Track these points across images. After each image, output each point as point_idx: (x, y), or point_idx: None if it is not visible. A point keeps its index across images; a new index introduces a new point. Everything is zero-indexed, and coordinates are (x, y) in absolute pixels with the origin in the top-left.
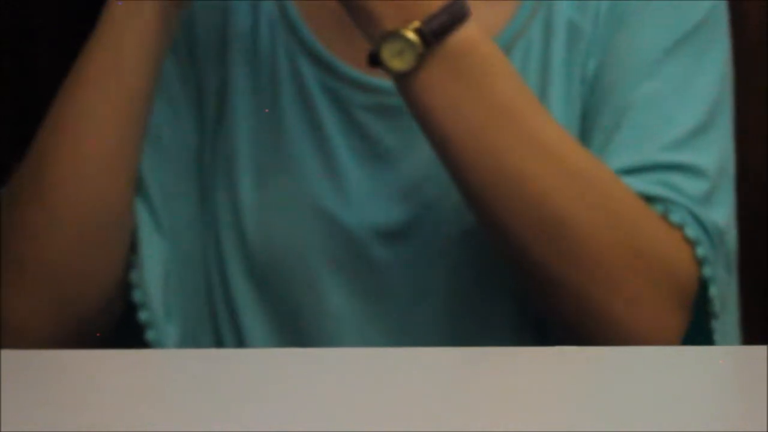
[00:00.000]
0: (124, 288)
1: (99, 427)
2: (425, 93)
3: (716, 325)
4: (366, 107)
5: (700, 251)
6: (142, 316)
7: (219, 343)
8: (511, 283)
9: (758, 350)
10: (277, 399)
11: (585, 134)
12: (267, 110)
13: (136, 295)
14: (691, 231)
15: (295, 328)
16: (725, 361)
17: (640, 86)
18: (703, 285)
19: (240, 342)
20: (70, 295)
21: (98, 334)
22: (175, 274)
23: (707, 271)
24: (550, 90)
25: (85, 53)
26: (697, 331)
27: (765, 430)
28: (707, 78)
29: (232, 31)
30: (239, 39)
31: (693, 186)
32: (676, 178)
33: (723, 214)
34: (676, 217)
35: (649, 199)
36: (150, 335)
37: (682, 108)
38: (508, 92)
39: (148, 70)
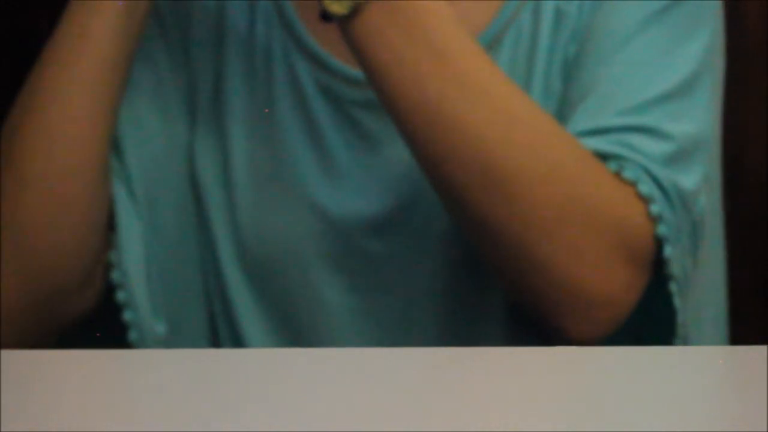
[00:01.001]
0: (101, 271)
1: (99, 427)
2: (364, 38)
3: (675, 288)
4: (359, 103)
5: (654, 208)
6: (120, 296)
7: (214, 337)
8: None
9: (758, 350)
10: (277, 399)
11: (560, 114)
12: (267, 110)
13: (115, 276)
14: (645, 187)
15: (291, 323)
16: (724, 361)
17: (610, 60)
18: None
19: (236, 336)
20: (41, 264)
21: (98, 335)
22: (164, 267)
23: (662, 229)
24: (533, 76)
25: (56, 32)
26: (660, 294)
27: (764, 430)
28: (683, 51)
29: (229, 29)
30: (236, 36)
31: (653, 146)
32: (635, 139)
33: (691, 180)
34: (629, 173)
35: (604, 156)
36: (127, 315)
37: (650, 77)
38: (447, 39)
39: (118, 48)
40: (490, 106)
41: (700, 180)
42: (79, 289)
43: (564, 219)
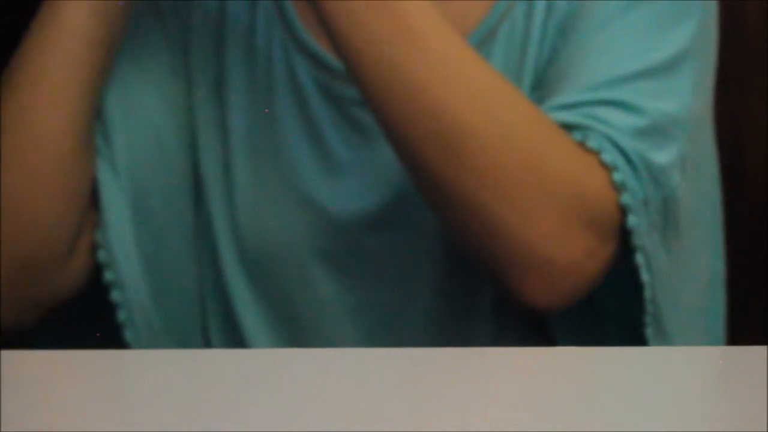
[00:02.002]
0: (85, 248)
1: (98, 427)
2: (330, 5)
3: (641, 260)
4: (358, 101)
5: (617, 176)
6: (107, 275)
7: (204, 330)
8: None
9: (758, 350)
10: (276, 399)
11: (540, 100)
12: (267, 110)
13: (101, 256)
14: (608, 156)
15: (290, 319)
16: (724, 361)
17: (589, 42)
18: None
19: (234, 332)
20: (17, 235)
21: (98, 334)
22: (153, 257)
23: (625, 198)
24: (525, 70)
25: (32, 26)
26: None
27: (764, 430)
28: (665, 36)
29: (230, 28)
30: (236, 35)
31: (622, 119)
32: (603, 111)
33: (664, 156)
34: (593, 142)
35: (569, 127)
36: (115, 295)
37: (626, 56)
38: (409, 7)
39: (97, 24)
40: (448, 69)
41: (674, 158)
42: (58, 264)
43: (519, 182)
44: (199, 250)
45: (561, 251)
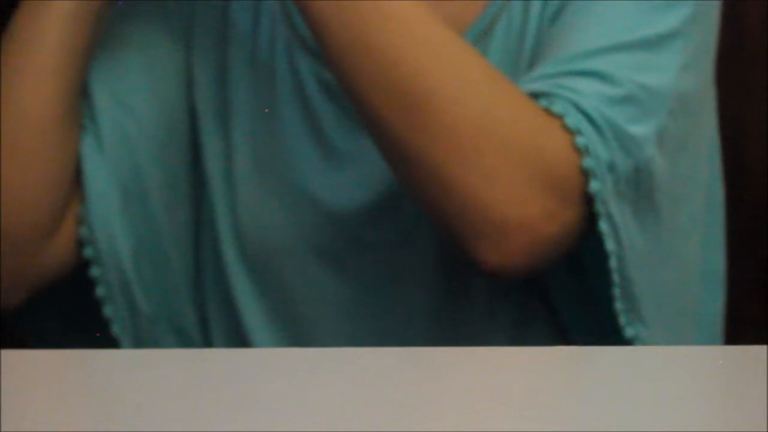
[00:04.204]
0: (69, 227)
1: (98, 427)
2: None
3: (605, 228)
4: None
5: (580, 140)
6: (87, 251)
7: (205, 327)
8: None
9: (758, 350)
10: (276, 399)
11: None
12: (267, 110)
13: (81, 232)
14: (572, 120)
15: (288, 313)
16: (724, 361)
17: (574, 18)
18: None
19: (234, 327)
20: (5, 209)
21: (97, 334)
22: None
23: (588, 162)
24: (521, 63)
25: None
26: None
27: (764, 430)
28: (653, 16)
29: (233, 25)
30: (240, 33)
31: (592, 86)
32: (573, 80)
33: (638, 128)
34: (557, 107)
35: (536, 95)
36: (94, 271)
37: (606, 30)
38: None
39: (74, 28)
40: (410, 33)
41: (650, 131)
42: (41, 237)
43: (475, 143)
44: (197, 238)
45: (515, 210)
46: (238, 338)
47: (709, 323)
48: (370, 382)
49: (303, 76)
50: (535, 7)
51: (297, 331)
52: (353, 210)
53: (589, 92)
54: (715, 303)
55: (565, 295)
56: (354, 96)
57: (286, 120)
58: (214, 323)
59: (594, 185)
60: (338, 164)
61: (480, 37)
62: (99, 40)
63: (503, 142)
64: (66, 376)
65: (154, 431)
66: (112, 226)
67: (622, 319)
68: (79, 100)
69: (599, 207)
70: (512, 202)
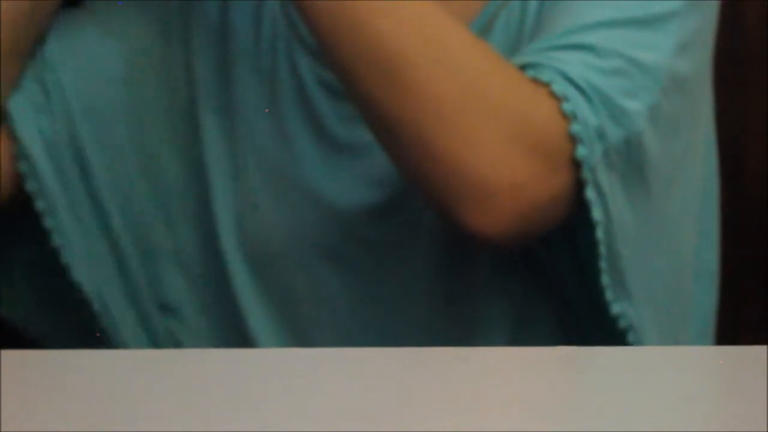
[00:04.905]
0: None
1: (99, 427)
2: None
3: (592, 195)
4: None
5: (566, 106)
6: (29, 185)
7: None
8: (499, 258)
9: (758, 350)
10: (277, 399)
11: None
12: (267, 110)
13: (22, 167)
14: (558, 87)
15: (291, 310)
16: (724, 361)
17: (565, 5)
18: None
19: (237, 325)
20: None
21: (98, 334)
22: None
23: (575, 127)
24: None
25: None
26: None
27: (764, 430)
28: (647, 2)
29: (234, 24)
30: (241, 32)
31: (582, 58)
32: (563, 53)
33: (629, 102)
34: (544, 76)
35: (524, 67)
36: (39, 205)
37: (605, 7)
38: None
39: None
40: (393, 6)
41: (642, 105)
42: None
43: (459, 108)
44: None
45: (501, 174)
46: (241, 338)
47: (701, 320)
48: (370, 382)
49: (303, 74)
50: (533, 6)
51: (299, 328)
52: (356, 208)
53: (577, 62)
54: (708, 300)
55: (563, 278)
56: (337, 66)
57: (288, 118)
58: (215, 319)
59: (581, 151)
60: (341, 162)
61: (479, 35)
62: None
63: (487, 107)
64: (66, 376)
65: (154, 431)
66: (36, 142)
67: (609, 294)
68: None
69: (587, 174)
70: (497, 165)
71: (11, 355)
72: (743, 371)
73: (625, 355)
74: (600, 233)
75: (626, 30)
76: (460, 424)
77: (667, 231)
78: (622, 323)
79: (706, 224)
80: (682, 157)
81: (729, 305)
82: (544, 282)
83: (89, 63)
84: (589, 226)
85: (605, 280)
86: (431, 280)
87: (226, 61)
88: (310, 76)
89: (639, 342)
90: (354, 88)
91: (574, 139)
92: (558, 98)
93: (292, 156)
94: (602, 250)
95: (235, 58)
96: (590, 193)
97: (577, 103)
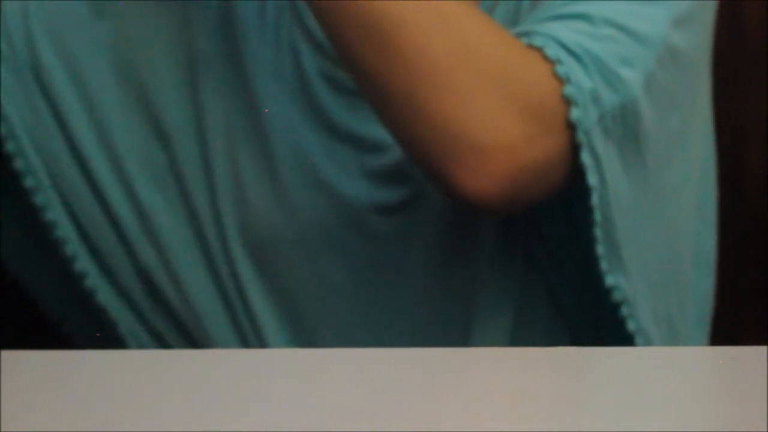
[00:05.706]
0: None
1: (99, 427)
2: None
3: (588, 161)
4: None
5: (560, 69)
6: (8, 146)
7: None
8: (502, 252)
9: (758, 350)
10: (277, 399)
11: None
12: (267, 110)
13: (8, 147)
14: (551, 51)
15: (294, 302)
16: (724, 361)
17: None
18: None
19: (244, 322)
20: None
21: (97, 334)
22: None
23: (568, 89)
24: None
25: None
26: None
27: (764, 430)
28: None
29: (239, 14)
30: (246, 22)
31: (572, 24)
32: (553, 22)
33: (624, 69)
34: (537, 41)
35: (518, 35)
36: (17, 163)
37: None
38: None
39: None
40: None
41: (637, 73)
42: None
43: (450, 68)
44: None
45: (493, 134)
46: (248, 335)
47: (699, 307)
48: (370, 383)
49: (306, 66)
50: (525, 5)
51: (302, 319)
52: (361, 201)
53: (570, 29)
54: (705, 285)
55: (562, 252)
56: (328, 28)
57: (291, 109)
58: (219, 312)
59: (575, 113)
60: (344, 154)
61: None
62: None
63: (480, 69)
64: (66, 376)
65: (154, 431)
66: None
67: (603, 265)
68: None
69: (581, 137)
70: (489, 125)
71: (11, 355)
72: (743, 371)
73: (625, 356)
74: (595, 198)
75: (621, 2)
76: (460, 424)
77: (663, 207)
78: (617, 295)
79: (705, 210)
80: (679, 133)
81: (729, 305)
82: (543, 281)
83: (80, 44)
84: (585, 194)
85: (600, 249)
86: (435, 272)
87: (230, 50)
88: (312, 67)
89: (632, 316)
90: (346, 50)
91: (568, 102)
92: (551, 61)
93: (294, 147)
94: (597, 216)
95: (240, 48)
96: (585, 157)
97: (570, 66)
